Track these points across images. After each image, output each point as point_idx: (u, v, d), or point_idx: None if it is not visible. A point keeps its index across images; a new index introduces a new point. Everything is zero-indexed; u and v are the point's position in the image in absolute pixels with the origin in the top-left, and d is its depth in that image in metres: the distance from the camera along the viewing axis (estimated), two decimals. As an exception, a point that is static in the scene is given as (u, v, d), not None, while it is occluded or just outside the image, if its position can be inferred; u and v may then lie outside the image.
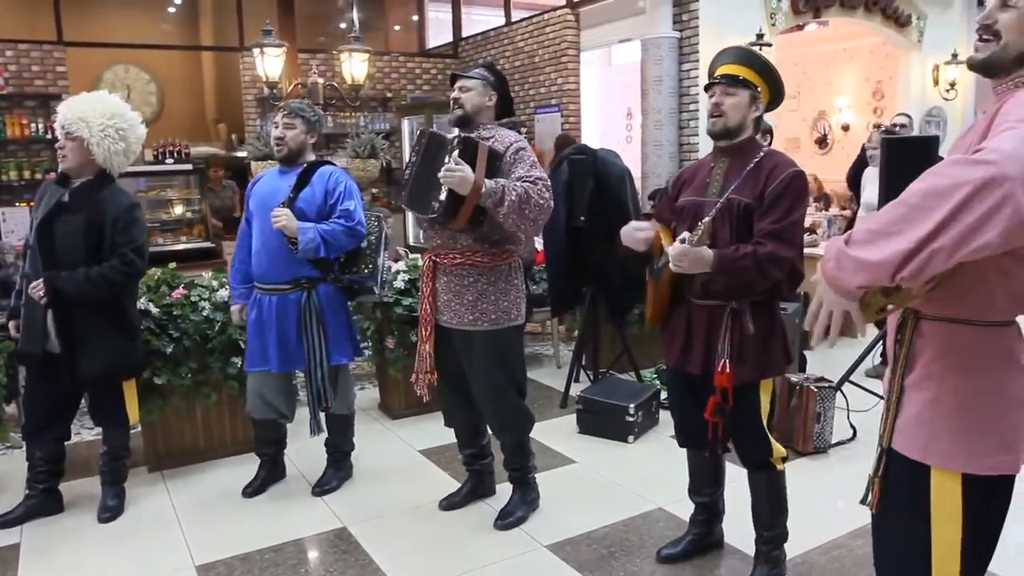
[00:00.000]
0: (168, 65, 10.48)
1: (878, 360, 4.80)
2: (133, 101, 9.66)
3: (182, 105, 10.70)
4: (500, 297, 2.98)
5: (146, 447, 3.84)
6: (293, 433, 3.68)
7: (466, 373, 3.08)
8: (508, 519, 3.18)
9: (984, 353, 1.58)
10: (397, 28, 11.80)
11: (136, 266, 3.13)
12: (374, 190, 8.89)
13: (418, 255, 4.20)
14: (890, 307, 1.59)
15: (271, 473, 3.62)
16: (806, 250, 4.92)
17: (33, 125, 8.23)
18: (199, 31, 10.89)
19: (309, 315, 3.25)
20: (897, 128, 5.65)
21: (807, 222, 5.90)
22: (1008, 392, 1.58)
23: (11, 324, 3.31)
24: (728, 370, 2.47)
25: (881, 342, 4.33)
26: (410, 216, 7.31)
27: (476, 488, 3.40)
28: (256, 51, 4.58)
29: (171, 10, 10.81)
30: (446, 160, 2.72)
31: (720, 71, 2.53)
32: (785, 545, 2.73)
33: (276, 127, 3.28)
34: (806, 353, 4.92)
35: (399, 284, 4.26)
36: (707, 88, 2.57)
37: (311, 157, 3.36)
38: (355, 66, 4.91)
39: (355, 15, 10.57)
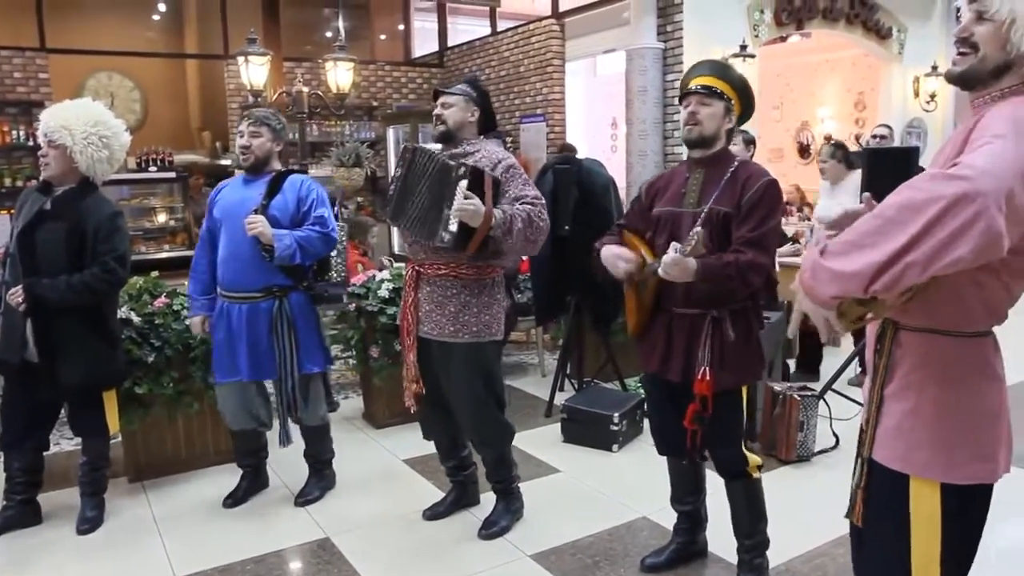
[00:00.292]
0: (152, 72, 10.43)
1: (859, 369, 4.84)
2: (117, 109, 9.56)
3: (166, 113, 10.65)
4: (482, 310, 2.98)
5: (126, 457, 3.80)
6: (276, 442, 3.64)
7: (444, 386, 3.06)
8: (492, 529, 3.17)
9: (962, 363, 1.59)
10: (383, 37, 11.81)
11: (117, 275, 3.10)
12: (359, 199, 8.89)
13: (402, 264, 4.19)
14: (868, 316, 1.60)
15: (253, 483, 3.59)
16: (789, 259, 5.00)
17: (15, 132, 8.17)
18: (184, 39, 10.85)
19: (281, 323, 3.23)
20: (878, 139, 5.71)
21: (790, 231, 5.96)
22: (985, 402, 1.60)
23: None
24: (708, 377, 2.50)
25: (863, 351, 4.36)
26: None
27: (460, 498, 3.39)
28: (241, 59, 4.57)
29: (155, 17, 10.77)
30: (456, 192, 2.70)
31: (695, 82, 2.57)
32: (767, 553, 2.74)
33: (241, 136, 3.25)
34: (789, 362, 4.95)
35: (383, 293, 4.25)
36: (682, 99, 2.61)
37: (277, 166, 3.35)
38: (340, 75, 4.91)
39: (341, 24, 10.57)
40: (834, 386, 4.48)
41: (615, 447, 4.06)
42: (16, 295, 2.98)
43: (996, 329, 1.64)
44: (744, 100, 2.60)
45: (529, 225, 2.77)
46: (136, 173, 7.52)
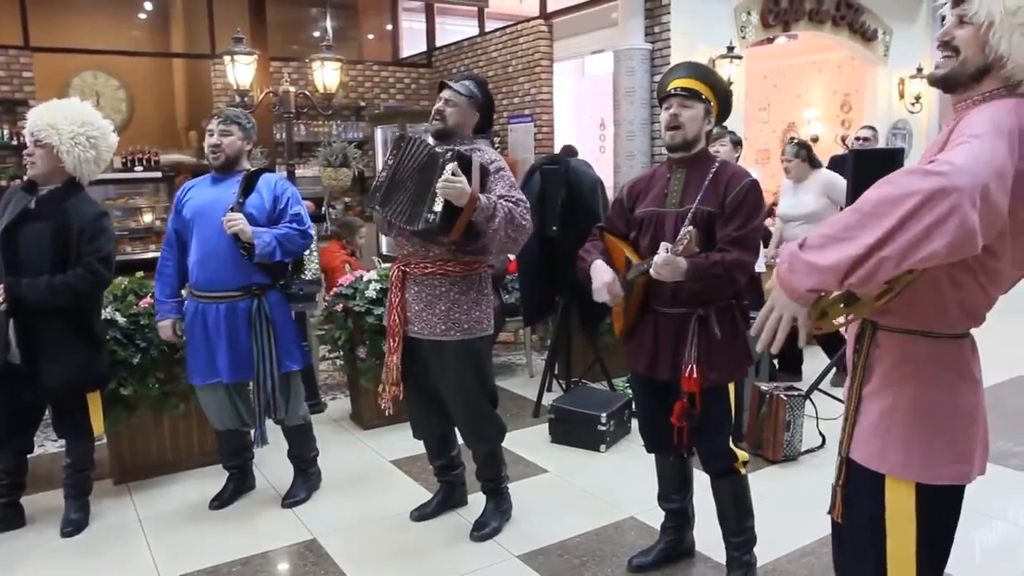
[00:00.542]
0: (138, 72, 10.36)
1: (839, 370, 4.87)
2: (102, 108, 9.47)
3: (152, 112, 10.58)
4: (472, 307, 2.98)
5: (112, 459, 3.77)
6: (272, 443, 3.63)
7: (436, 384, 3.06)
8: (484, 530, 3.17)
9: (939, 365, 1.60)
10: (371, 37, 11.79)
11: (101, 276, 3.08)
12: (346, 199, 8.88)
13: (389, 264, 4.19)
14: (850, 316, 1.61)
15: (240, 485, 3.58)
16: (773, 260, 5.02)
17: (-2, 131, 8.10)
18: (170, 38, 10.78)
19: (260, 322, 3.22)
20: (861, 141, 5.77)
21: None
22: (961, 403, 1.61)
23: None
24: (696, 375, 2.52)
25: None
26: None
27: (447, 498, 3.39)
28: (227, 59, 4.54)
29: (142, 16, 10.71)
30: (441, 174, 2.70)
31: (675, 84, 2.58)
32: (755, 549, 2.76)
33: (211, 135, 3.23)
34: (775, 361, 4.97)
35: (371, 293, 4.24)
36: (661, 102, 2.63)
37: (247, 164, 3.34)
38: (327, 75, 4.88)
39: (328, 24, 10.54)
40: (820, 386, 4.50)
41: (603, 447, 4.06)
42: None
43: (973, 331, 1.66)
44: (722, 100, 2.63)
45: (511, 221, 2.77)
46: (122, 173, 7.48)
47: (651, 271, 2.39)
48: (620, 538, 3.17)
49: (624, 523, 3.29)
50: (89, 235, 3.07)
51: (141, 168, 7.54)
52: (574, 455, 4.05)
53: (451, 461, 3.36)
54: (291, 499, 3.49)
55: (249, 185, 3.22)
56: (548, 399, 4.50)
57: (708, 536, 2.91)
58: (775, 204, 5.89)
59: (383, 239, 7.79)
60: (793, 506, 3.37)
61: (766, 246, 5.16)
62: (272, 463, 3.73)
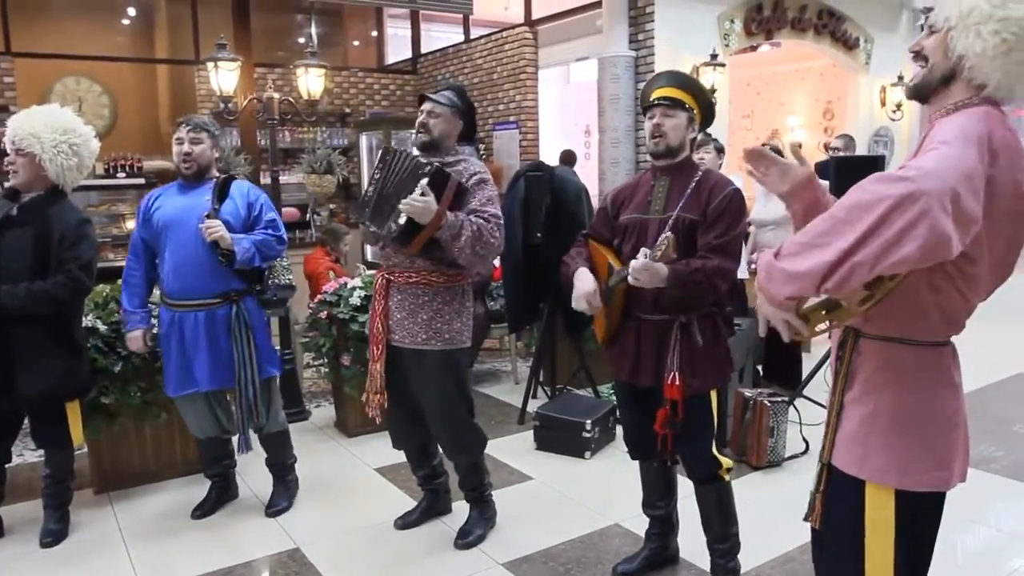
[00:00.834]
0: (121, 77, 10.29)
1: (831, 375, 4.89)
2: (85, 114, 9.40)
3: (136, 118, 10.50)
4: (454, 318, 2.97)
5: (92, 468, 3.73)
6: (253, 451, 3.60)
7: (416, 394, 3.05)
8: (468, 538, 3.16)
9: (920, 372, 1.62)
10: (356, 44, 11.77)
11: (81, 283, 3.05)
12: (331, 205, 8.85)
13: (374, 271, 4.18)
14: (833, 323, 1.63)
15: (222, 494, 3.55)
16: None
17: (-21, 137, 8.01)
18: (154, 43, 10.72)
19: (240, 328, 3.21)
20: (834, 151, 5.84)
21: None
22: (942, 410, 1.63)
23: None
24: (678, 382, 2.53)
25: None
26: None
27: (432, 506, 3.37)
28: (210, 65, 4.52)
29: (125, 22, 10.64)
30: (415, 187, 2.71)
31: (657, 94, 2.60)
32: (739, 556, 2.76)
33: (181, 143, 3.19)
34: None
35: (355, 300, 4.22)
36: (645, 111, 2.64)
37: (215, 171, 3.33)
38: (311, 81, 4.87)
39: (313, 30, 10.52)
40: (804, 391, 4.52)
41: (587, 454, 4.06)
42: None
43: (953, 337, 1.67)
44: (705, 108, 2.64)
45: (479, 238, 2.78)
46: (104, 179, 7.40)
47: (629, 277, 2.40)
48: (605, 545, 3.17)
49: (609, 530, 3.29)
50: (70, 242, 3.05)
51: (124, 174, 7.46)
52: (559, 462, 4.04)
53: (433, 470, 3.35)
54: (275, 508, 3.46)
55: (223, 192, 3.21)
56: (533, 406, 4.49)
57: (692, 543, 2.92)
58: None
59: (369, 246, 7.78)
60: (776, 512, 3.38)
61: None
62: (255, 472, 3.71)
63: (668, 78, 2.65)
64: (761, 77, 10.97)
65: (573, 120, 11.14)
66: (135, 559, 3.11)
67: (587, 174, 8.34)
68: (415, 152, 2.99)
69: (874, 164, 4.14)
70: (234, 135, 8.42)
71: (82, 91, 10.09)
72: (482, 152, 9.05)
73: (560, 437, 4.13)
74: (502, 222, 2.89)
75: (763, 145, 5.14)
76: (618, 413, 4.35)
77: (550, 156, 8.55)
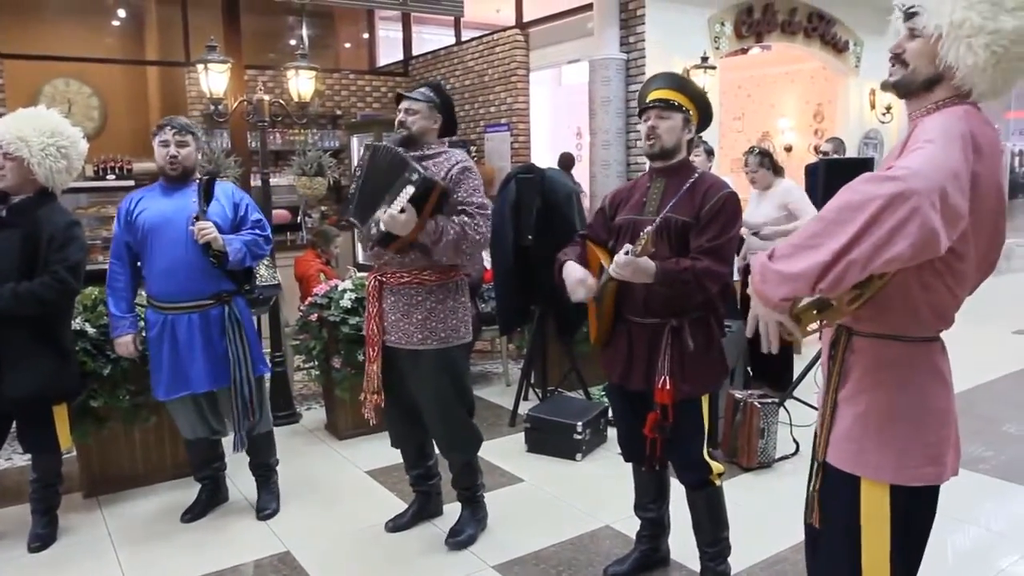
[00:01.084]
0: (111, 79, 10.24)
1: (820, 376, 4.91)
2: (74, 116, 9.36)
3: (126, 120, 10.45)
4: (449, 315, 2.97)
5: (81, 472, 3.71)
6: (238, 454, 3.58)
7: (414, 393, 3.05)
8: (459, 537, 3.16)
9: (912, 368, 1.65)
10: (348, 46, 11.76)
11: (68, 284, 3.03)
12: (323, 208, 8.83)
13: (365, 273, 4.17)
14: (824, 323, 1.64)
15: (212, 497, 3.54)
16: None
17: (-33, 139, 7.95)
18: (144, 45, 10.67)
19: (233, 328, 3.22)
20: (823, 154, 5.88)
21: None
22: (934, 405, 1.65)
23: None
24: (668, 387, 2.52)
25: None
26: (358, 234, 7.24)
27: (423, 509, 3.37)
28: (200, 67, 4.51)
29: (115, 23, 10.59)
30: (399, 194, 2.71)
31: (653, 96, 2.60)
32: (729, 559, 2.77)
33: (166, 145, 3.17)
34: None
35: (346, 303, 4.22)
36: (641, 113, 2.65)
37: (197, 173, 3.32)
38: (301, 83, 4.86)
39: (304, 32, 10.51)
40: (794, 392, 4.54)
41: (579, 456, 4.06)
42: None
43: (944, 336, 1.69)
44: (702, 110, 2.64)
45: (463, 238, 2.80)
46: (94, 181, 7.37)
47: (611, 270, 2.41)
48: (596, 547, 3.17)
49: (600, 532, 3.29)
50: (59, 243, 3.03)
51: (113, 177, 7.43)
52: (550, 464, 4.04)
53: (428, 471, 3.34)
54: (266, 511, 3.45)
55: (209, 194, 3.21)
56: (524, 408, 4.50)
57: (683, 544, 2.92)
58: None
59: (359, 248, 7.77)
60: (767, 513, 3.39)
61: (738, 253, 5.19)
62: (245, 474, 3.68)
63: (664, 80, 2.65)
64: (752, 80, 11.01)
65: (565, 122, 11.14)
66: (124, 563, 3.09)
67: (579, 176, 8.36)
68: (399, 150, 2.99)
69: (863, 166, 4.16)
70: (224, 137, 8.40)
71: (71, 93, 10.04)
72: (473, 154, 9.06)
73: (551, 439, 4.13)
74: (488, 212, 2.89)
75: (753, 147, 5.17)
76: (610, 414, 4.37)
77: (542, 158, 8.57)
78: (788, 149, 10.77)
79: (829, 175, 4.16)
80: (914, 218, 1.34)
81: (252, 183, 6.18)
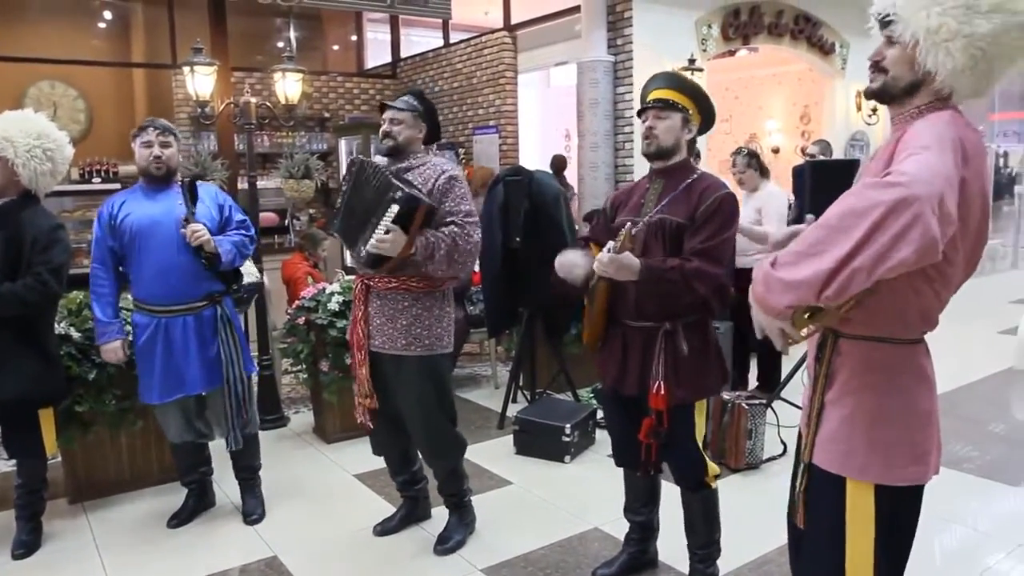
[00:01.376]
0: (97, 81, 10.18)
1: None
2: (60, 119, 9.32)
3: (112, 123, 10.38)
4: (434, 323, 2.97)
5: (66, 477, 3.68)
6: (223, 458, 3.56)
7: (396, 399, 3.04)
8: (447, 544, 3.15)
9: (898, 369, 1.66)
10: (336, 48, 11.73)
11: (50, 287, 3.00)
12: (311, 210, 8.80)
13: (352, 276, 4.16)
14: (815, 326, 1.64)
15: (199, 502, 3.52)
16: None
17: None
18: (130, 47, 10.62)
19: (226, 328, 3.23)
20: (810, 157, 5.91)
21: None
22: (919, 406, 1.67)
23: None
24: (663, 392, 2.48)
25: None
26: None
27: (411, 512, 3.36)
28: (186, 69, 4.48)
29: (101, 25, 10.53)
30: (384, 215, 2.71)
31: (652, 96, 2.58)
32: (718, 562, 2.77)
33: (150, 145, 3.15)
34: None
35: (333, 306, 4.20)
36: (640, 113, 2.63)
37: (179, 174, 3.31)
38: (288, 86, 4.84)
39: (292, 34, 10.47)
40: (781, 393, 4.55)
41: (567, 458, 4.06)
42: None
43: (929, 337, 1.71)
44: (703, 108, 2.61)
45: (455, 249, 2.79)
46: (79, 184, 7.32)
47: (594, 267, 2.40)
48: (584, 549, 3.17)
49: (588, 534, 3.29)
50: (42, 245, 3.01)
51: (99, 180, 7.39)
52: (538, 466, 4.04)
53: (413, 476, 3.33)
54: (252, 516, 3.44)
55: (194, 195, 3.20)
56: (513, 410, 4.49)
57: (671, 546, 2.92)
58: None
59: (347, 252, 7.75)
60: (755, 514, 3.39)
61: None
62: (232, 479, 3.66)
63: (663, 80, 2.62)
64: (739, 82, 11.06)
65: (553, 124, 11.16)
66: (110, 570, 3.07)
67: (569, 178, 8.37)
68: (383, 160, 3.00)
69: (849, 168, 4.18)
70: (211, 140, 8.36)
71: (57, 95, 9.98)
72: (461, 157, 9.05)
73: (540, 441, 4.13)
74: (476, 219, 2.88)
75: (740, 148, 5.19)
76: (598, 416, 4.38)
77: (530, 160, 8.57)
78: (775, 151, 10.82)
79: (815, 177, 4.18)
80: (917, 224, 1.34)
81: (239, 186, 6.14)
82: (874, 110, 9.30)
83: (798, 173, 6.02)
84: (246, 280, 3.40)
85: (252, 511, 3.45)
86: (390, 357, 2.96)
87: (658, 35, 7.20)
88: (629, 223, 2.37)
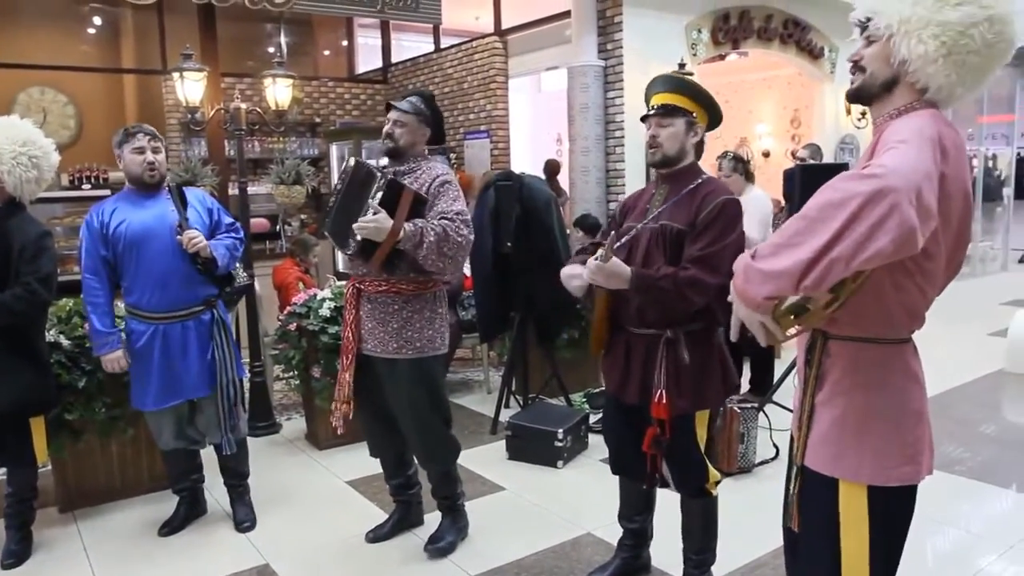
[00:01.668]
0: (88, 87, 10.14)
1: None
2: (50, 124, 9.32)
3: (102, 129, 10.31)
4: (425, 325, 2.96)
5: (57, 486, 3.66)
6: (214, 466, 3.54)
7: (390, 402, 3.04)
8: (438, 544, 3.14)
9: (887, 369, 1.67)
10: (326, 53, 11.72)
11: (40, 295, 2.99)
12: (302, 216, 8.79)
13: (344, 282, 4.15)
14: (801, 327, 1.65)
15: (191, 510, 3.50)
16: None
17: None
18: (120, 53, 10.59)
19: (219, 332, 3.24)
20: (800, 160, 5.94)
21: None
22: (909, 405, 1.68)
23: None
24: (664, 401, 2.45)
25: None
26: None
27: (404, 518, 3.35)
28: (176, 75, 4.47)
29: (91, 31, 10.49)
30: (369, 201, 2.71)
31: (653, 100, 2.55)
32: (712, 568, 2.77)
33: (143, 152, 3.14)
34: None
35: (324, 312, 4.19)
36: (644, 119, 2.59)
37: (167, 180, 3.31)
38: (279, 91, 4.83)
39: (282, 40, 10.46)
40: (773, 397, 4.56)
41: (560, 463, 4.06)
42: None
43: (918, 339, 1.71)
44: (707, 108, 2.57)
45: (444, 240, 2.76)
46: (69, 191, 7.29)
47: (584, 275, 2.41)
48: (577, 554, 3.16)
49: (581, 539, 3.28)
50: (30, 254, 3.00)
51: (89, 186, 7.35)
52: (531, 472, 4.04)
53: (408, 480, 3.32)
54: (245, 524, 3.42)
55: (184, 201, 3.20)
56: (505, 415, 4.49)
57: (664, 551, 2.92)
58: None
59: (339, 257, 7.73)
60: (748, 518, 3.39)
61: None
62: (223, 487, 3.65)
63: (663, 83, 2.58)
64: (730, 86, 11.09)
65: (545, 129, 11.17)
66: (100, 578, 3.05)
67: (561, 182, 8.37)
68: (383, 160, 2.99)
69: (839, 171, 4.19)
70: (201, 145, 8.33)
71: (47, 102, 9.94)
72: (453, 161, 9.05)
73: (532, 446, 4.13)
74: (468, 218, 2.88)
75: (727, 152, 5.20)
76: (591, 420, 4.38)
77: (521, 165, 8.57)
78: (766, 154, 10.85)
79: (806, 180, 4.19)
80: (894, 214, 1.36)
81: (230, 192, 6.13)
82: (863, 113, 9.35)
83: (789, 177, 6.05)
84: (237, 282, 3.38)
85: (243, 520, 3.44)
86: (383, 361, 2.96)
87: (648, 40, 7.22)
88: (613, 233, 2.36)
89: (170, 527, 3.41)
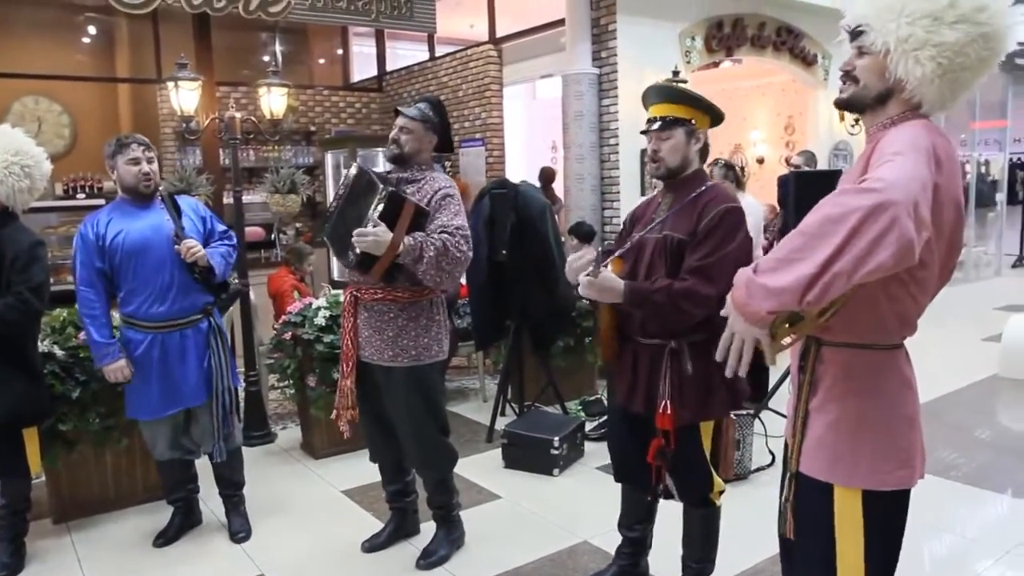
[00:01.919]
0: (82, 97, 10.14)
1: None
2: (45, 134, 9.30)
3: (97, 138, 10.26)
4: (421, 333, 2.96)
5: (50, 497, 3.64)
6: (209, 475, 3.53)
7: (388, 409, 3.04)
8: (431, 558, 3.13)
9: (880, 375, 1.68)
10: (322, 62, 11.73)
11: (31, 305, 2.98)
12: (297, 224, 8.78)
13: (340, 291, 4.15)
14: (796, 336, 1.65)
15: (185, 520, 3.48)
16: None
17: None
18: (115, 62, 10.59)
19: (216, 339, 3.25)
20: (795, 167, 5.97)
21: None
22: (902, 410, 1.69)
23: None
24: (668, 411, 2.43)
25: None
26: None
27: (400, 527, 3.34)
28: (170, 84, 4.47)
29: (85, 40, 10.49)
30: (369, 214, 2.70)
31: (651, 112, 2.55)
32: (710, 576, 2.76)
33: (138, 162, 3.13)
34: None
35: (320, 321, 4.19)
36: (644, 133, 2.58)
37: (160, 190, 3.31)
38: (274, 100, 4.84)
39: (277, 48, 10.47)
40: (768, 404, 4.56)
41: (556, 471, 4.05)
42: None
43: (910, 345, 1.72)
44: (705, 111, 2.55)
45: (444, 254, 2.76)
46: (63, 200, 7.28)
47: (579, 291, 2.40)
48: (574, 563, 3.15)
49: (578, 547, 3.27)
50: (22, 264, 2.99)
51: (83, 195, 7.33)
52: (527, 480, 4.03)
53: (405, 487, 3.32)
54: (240, 534, 3.41)
55: (178, 210, 3.21)
56: (501, 424, 4.48)
57: (662, 559, 2.91)
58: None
59: (335, 265, 7.72)
60: (745, 525, 3.38)
61: None
62: (218, 497, 3.63)
63: (656, 94, 2.57)
64: (724, 93, 11.11)
65: (540, 136, 11.19)
66: (94, 590, 3.04)
67: (556, 190, 8.37)
68: (389, 167, 3.01)
69: (832, 178, 4.20)
70: (196, 154, 8.33)
71: (41, 111, 9.93)
72: (448, 169, 9.06)
73: (528, 455, 4.12)
74: (468, 234, 2.88)
75: (718, 160, 5.22)
76: (587, 428, 4.37)
77: (517, 173, 8.57)
78: (760, 161, 10.89)
79: (800, 187, 4.21)
80: (894, 228, 1.36)
81: (225, 200, 6.13)
82: (856, 120, 9.38)
83: (783, 183, 6.07)
84: (231, 289, 3.40)
85: (239, 530, 3.42)
86: (380, 368, 2.97)
87: (642, 47, 7.24)
88: (598, 249, 2.36)
89: (165, 538, 3.39)
